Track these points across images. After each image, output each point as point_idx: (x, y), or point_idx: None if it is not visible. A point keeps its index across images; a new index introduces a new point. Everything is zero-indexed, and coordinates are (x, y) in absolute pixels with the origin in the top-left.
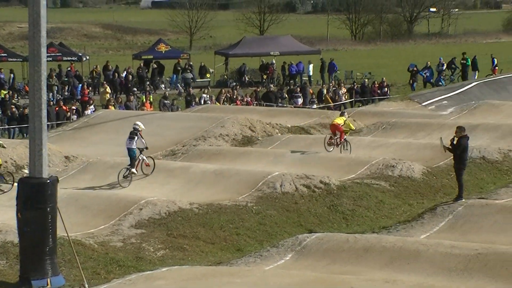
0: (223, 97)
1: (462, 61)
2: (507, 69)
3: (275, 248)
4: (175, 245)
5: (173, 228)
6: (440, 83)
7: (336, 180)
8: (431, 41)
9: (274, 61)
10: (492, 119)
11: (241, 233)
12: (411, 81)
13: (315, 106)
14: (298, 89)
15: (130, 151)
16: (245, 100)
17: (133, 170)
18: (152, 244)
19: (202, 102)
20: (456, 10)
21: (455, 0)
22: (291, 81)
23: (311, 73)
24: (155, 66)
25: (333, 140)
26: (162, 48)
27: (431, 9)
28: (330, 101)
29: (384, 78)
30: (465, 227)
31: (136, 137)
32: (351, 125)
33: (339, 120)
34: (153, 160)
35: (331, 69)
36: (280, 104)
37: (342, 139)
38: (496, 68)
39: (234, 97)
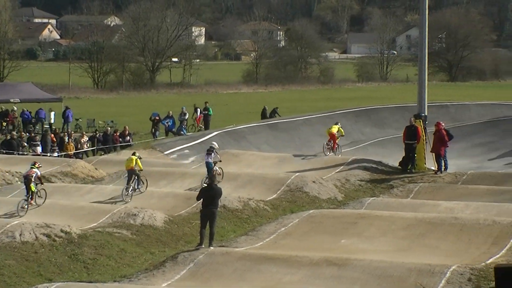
0: None
1: (204, 111)
2: (247, 119)
3: None
4: None
5: None
6: (182, 132)
7: (78, 229)
8: (173, 91)
9: (15, 108)
10: (232, 168)
11: None
12: (153, 130)
13: (56, 154)
14: (37, 137)
15: (208, 164)
16: None
17: None
18: None
19: None
20: (198, 60)
21: (196, 51)
22: (31, 129)
23: (52, 121)
24: None
25: (329, 146)
26: None
27: (173, 59)
28: (71, 149)
29: (126, 126)
30: (206, 275)
31: (212, 153)
32: (342, 131)
33: (334, 129)
34: (222, 170)
35: (68, 117)
36: (20, 152)
37: (336, 144)
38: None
39: None
